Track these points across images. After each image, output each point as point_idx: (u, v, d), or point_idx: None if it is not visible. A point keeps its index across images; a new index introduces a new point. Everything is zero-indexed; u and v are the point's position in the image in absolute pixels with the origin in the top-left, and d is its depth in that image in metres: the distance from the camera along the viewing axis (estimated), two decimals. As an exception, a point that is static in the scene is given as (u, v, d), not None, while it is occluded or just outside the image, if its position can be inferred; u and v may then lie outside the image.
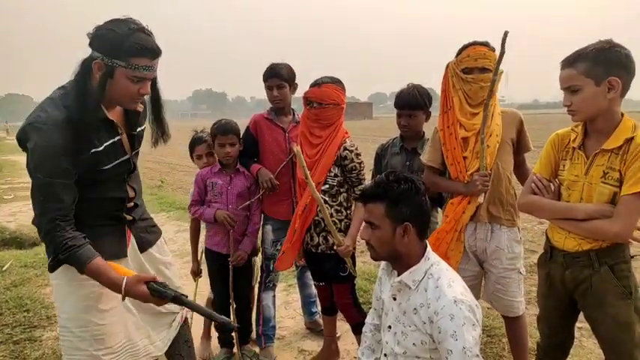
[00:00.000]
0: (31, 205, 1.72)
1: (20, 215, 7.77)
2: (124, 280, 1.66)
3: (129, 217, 1.98)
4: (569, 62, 1.79)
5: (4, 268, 4.73)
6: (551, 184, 1.96)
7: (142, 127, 2.01)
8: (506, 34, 1.99)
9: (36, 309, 3.76)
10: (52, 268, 1.75)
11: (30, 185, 1.69)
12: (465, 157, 2.28)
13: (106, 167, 1.80)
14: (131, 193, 1.98)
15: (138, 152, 2.01)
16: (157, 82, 1.88)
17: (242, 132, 2.95)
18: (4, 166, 16.16)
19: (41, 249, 5.57)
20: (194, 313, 1.86)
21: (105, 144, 1.79)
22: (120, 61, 1.66)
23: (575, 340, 2.16)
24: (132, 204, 1.99)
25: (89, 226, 1.77)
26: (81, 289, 1.79)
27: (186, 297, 1.75)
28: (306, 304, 3.46)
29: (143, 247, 2.04)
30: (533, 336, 2.65)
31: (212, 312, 1.82)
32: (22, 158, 19.24)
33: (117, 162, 1.84)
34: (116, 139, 1.84)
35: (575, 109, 1.80)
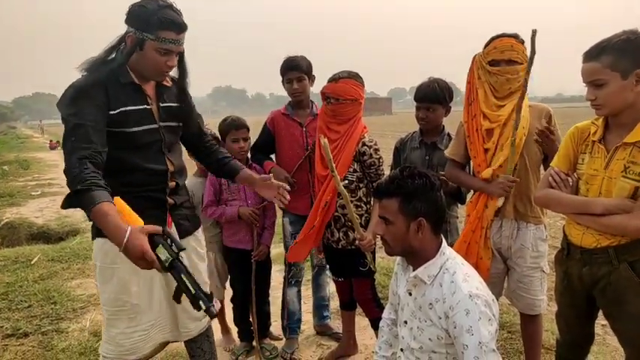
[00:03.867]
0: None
1: (47, 211, 7.96)
2: (129, 230, 1.50)
3: (170, 201, 2.03)
4: (592, 55, 1.71)
5: (32, 262, 4.88)
6: (569, 178, 1.91)
7: (175, 104, 2.07)
8: (534, 32, 1.91)
9: (62, 301, 3.88)
10: (67, 204, 1.62)
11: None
12: (487, 150, 2.24)
13: (135, 130, 1.88)
14: (170, 167, 2.02)
15: (173, 128, 2.06)
16: (184, 58, 1.99)
17: (261, 128, 2.98)
18: (31, 163, 16.61)
19: (67, 243, 5.73)
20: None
21: (135, 107, 1.90)
22: (149, 34, 1.80)
23: (598, 337, 2.10)
24: (174, 184, 2.05)
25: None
26: (120, 272, 1.89)
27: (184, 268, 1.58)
28: (318, 307, 3.38)
29: (181, 235, 2.08)
30: (554, 332, 2.62)
31: (198, 290, 1.57)
32: (47, 155, 19.80)
33: (145, 127, 1.92)
34: (146, 106, 1.95)
35: (601, 102, 1.73)
